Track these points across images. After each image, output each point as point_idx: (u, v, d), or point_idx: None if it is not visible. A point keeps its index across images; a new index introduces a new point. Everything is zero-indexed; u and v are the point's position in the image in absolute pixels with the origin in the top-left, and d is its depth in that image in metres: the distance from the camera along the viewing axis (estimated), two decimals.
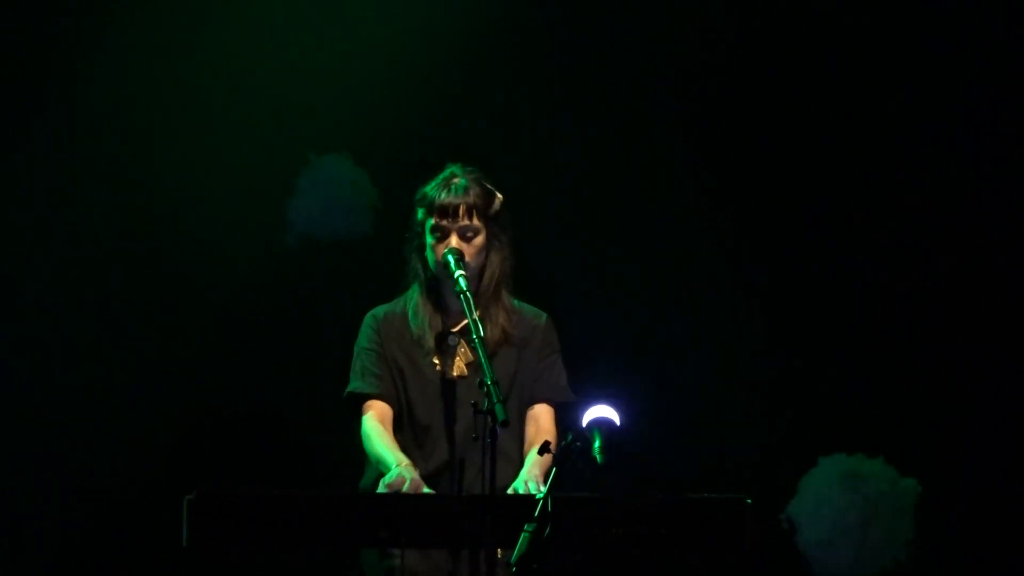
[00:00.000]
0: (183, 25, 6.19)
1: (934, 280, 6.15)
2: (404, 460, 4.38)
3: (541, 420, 4.55)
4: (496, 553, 3.95)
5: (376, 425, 4.50)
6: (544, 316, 4.67)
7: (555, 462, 3.98)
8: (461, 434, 4.47)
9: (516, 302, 4.65)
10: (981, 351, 6.12)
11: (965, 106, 6.11)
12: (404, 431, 4.55)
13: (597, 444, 3.93)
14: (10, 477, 6.06)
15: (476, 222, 4.52)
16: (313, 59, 6.22)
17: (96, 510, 6.08)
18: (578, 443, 3.91)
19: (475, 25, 6.23)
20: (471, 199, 4.51)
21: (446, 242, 4.49)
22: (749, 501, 3.92)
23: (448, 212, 4.50)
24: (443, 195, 4.51)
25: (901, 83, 6.17)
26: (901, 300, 6.17)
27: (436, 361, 4.55)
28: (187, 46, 6.19)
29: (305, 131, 6.17)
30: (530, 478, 4.32)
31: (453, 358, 4.56)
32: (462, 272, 4.40)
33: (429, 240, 4.53)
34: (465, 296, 4.33)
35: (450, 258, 4.44)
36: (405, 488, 4.24)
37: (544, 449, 4.06)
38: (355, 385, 4.58)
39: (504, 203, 4.59)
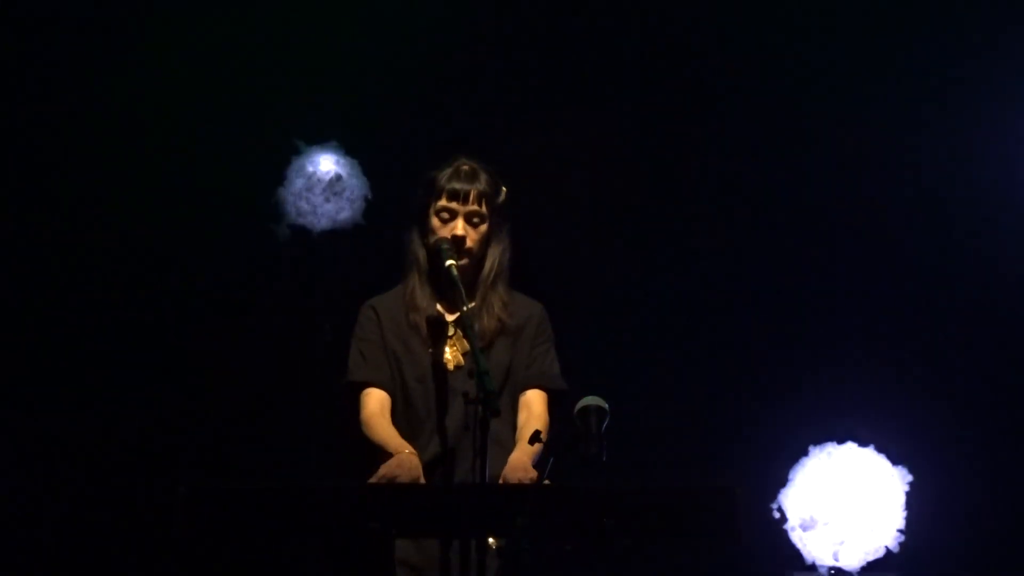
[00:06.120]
0: (173, 15, 6.17)
1: (927, 273, 6.17)
2: (406, 446, 4.38)
3: (533, 406, 4.56)
4: (487, 542, 3.96)
5: (376, 413, 4.50)
6: (539, 306, 4.68)
7: (548, 451, 3.99)
8: (455, 423, 4.48)
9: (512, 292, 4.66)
10: (970, 343, 6.14)
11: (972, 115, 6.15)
12: (399, 420, 4.55)
13: (588, 433, 3.94)
14: (2, 472, 6.06)
15: (484, 209, 4.54)
16: (303, 47, 6.21)
17: (89, 502, 6.08)
18: (571, 432, 3.92)
19: (467, 13, 6.22)
20: (482, 186, 4.53)
21: (451, 226, 4.50)
22: (741, 490, 3.93)
23: (459, 196, 4.51)
24: (454, 180, 4.52)
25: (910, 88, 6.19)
26: (896, 291, 6.19)
27: (432, 350, 4.55)
28: (177, 35, 6.17)
29: (295, 120, 6.15)
30: (517, 467, 4.31)
31: (449, 347, 4.56)
32: (452, 262, 4.40)
33: (433, 223, 4.53)
34: (457, 286, 4.33)
35: (443, 246, 4.44)
36: (400, 479, 4.25)
37: (535, 438, 4.07)
38: (353, 374, 4.58)
39: (507, 195, 4.61)
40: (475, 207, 4.53)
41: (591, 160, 6.28)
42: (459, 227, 4.49)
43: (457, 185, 4.52)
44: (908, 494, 5.43)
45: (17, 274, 6.12)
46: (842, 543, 5.41)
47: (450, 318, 4.57)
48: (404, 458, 4.32)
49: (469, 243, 4.51)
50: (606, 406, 4.01)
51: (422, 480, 4.31)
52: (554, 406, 4.58)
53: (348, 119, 6.14)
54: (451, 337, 4.56)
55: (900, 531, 5.42)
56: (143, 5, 6.17)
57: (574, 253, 6.22)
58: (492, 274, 4.59)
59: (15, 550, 6.01)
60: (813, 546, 5.44)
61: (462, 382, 4.43)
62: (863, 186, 6.21)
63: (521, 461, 4.33)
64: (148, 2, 6.18)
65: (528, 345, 4.61)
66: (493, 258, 4.59)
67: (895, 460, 5.49)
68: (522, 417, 4.55)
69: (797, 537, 5.47)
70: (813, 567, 5.48)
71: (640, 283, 6.23)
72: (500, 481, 4.28)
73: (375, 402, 4.53)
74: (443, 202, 4.52)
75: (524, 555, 3.75)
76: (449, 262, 4.40)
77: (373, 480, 4.25)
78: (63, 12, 6.14)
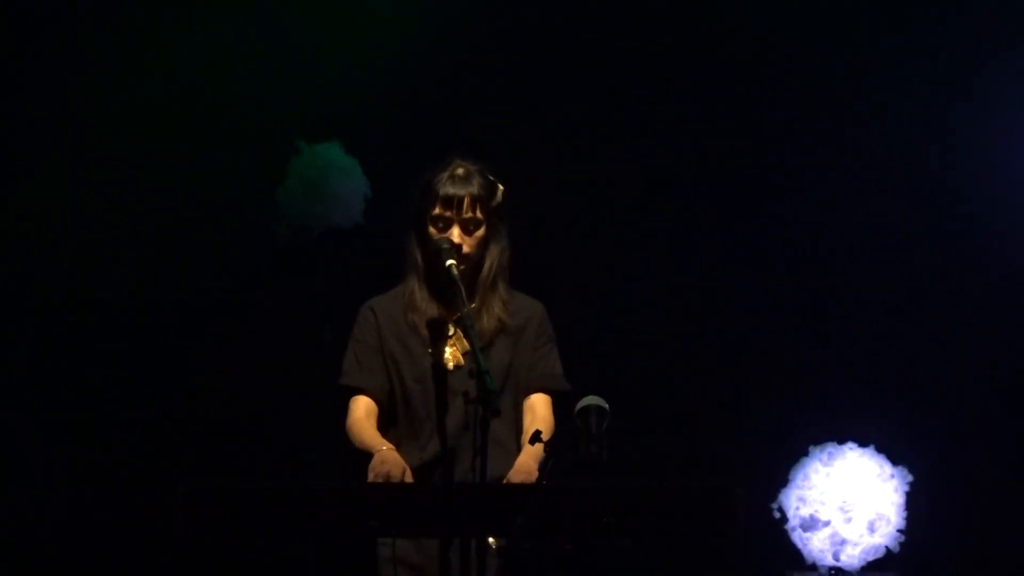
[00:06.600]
0: (173, 14, 6.17)
1: (928, 273, 6.17)
2: (384, 444, 4.40)
3: (538, 409, 4.55)
4: (488, 542, 3.96)
5: (359, 418, 4.52)
6: (539, 305, 4.67)
7: (547, 451, 3.99)
8: (455, 423, 4.47)
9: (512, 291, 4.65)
10: (971, 342, 6.13)
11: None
12: (399, 421, 4.56)
13: (588, 433, 3.94)
14: (2, 472, 6.06)
15: (479, 214, 4.51)
16: (303, 47, 6.21)
17: (89, 502, 6.08)
18: (571, 432, 3.93)
19: (467, 12, 6.22)
20: (476, 190, 4.50)
21: (447, 233, 4.48)
22: (741, 490, 3.93)
23: (452, 203, 4.49)
24: (448, 186, 4.50)
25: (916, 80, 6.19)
26: (897, 291, 6.18)
27: (431, 351, 4.55)
28: (177, 35, 6.17)
29: (295, 119, 6.15)
30: (520, 470, 4.32)
31: (449, 347, 4.56)
32: (453, 262, 4.39)
33: (430, 231, 4.52)
34: (457, 286, 4.33)
35: (442, 246, 4.44)
36: (393, 474, 4.25)
37: (535, 438, 4.07)
38: (345, 378, 4.59)
39: (505, 194, 4.59)
40: (470, 214, 4.51)
41: (592, 159, 6.28)
42: (455, 235, 4.48)
43: (451, 191, 4.49)
44: (908, 494, 5.44)
45: (17, 274, 6.12)
46: (842, 543, 5.41)
47: (450, 318, 4.57)
48: (385, 455, 4.34)
49: (466, 249, 4.50)
50: (606, 406, 4.00)
51: (408, 471, 4.32)
52: (557, 406, 4.57)
53: (348, 119, 6.13)
54: (451, 337, 4.56)
55: (900, 531, 5.42)
56: (144, 5, 6.17)
57: (574, 252, 6.22)
58: (491, 275, 4.58)
59: (15, 550, 6.00)
60: (813, 546, 5.44)
61: (462, 382, 4.43)
62: (863, 187, 6.21)
63: (526, 465, 4.33)
64: (149, 2, 6.18)
65: (530, 347, 4.60)
66: (492, 259, 4.57)
67: (895, 460, 5.49)
68: (527, 421, 4.54)
69: (797, 537, 5.47)
70: (813, 567, 5.48)
71: (640, 282, 6.23)
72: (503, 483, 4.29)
73: (361, 408, 4.54)
74: (438, 210, 4.50)
75: (524, 555, 3.75)
76: (449, 261, 4.39)
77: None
78: (64, 12, 6.13)
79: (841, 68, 6.21)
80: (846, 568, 5.41)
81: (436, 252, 4.46)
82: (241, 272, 6.20)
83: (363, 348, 4.59)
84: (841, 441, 5.54)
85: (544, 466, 4.00)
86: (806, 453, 5.54)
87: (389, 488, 4.15)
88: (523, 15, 6.25)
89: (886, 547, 5.43)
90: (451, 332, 4.55)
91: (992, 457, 6.07)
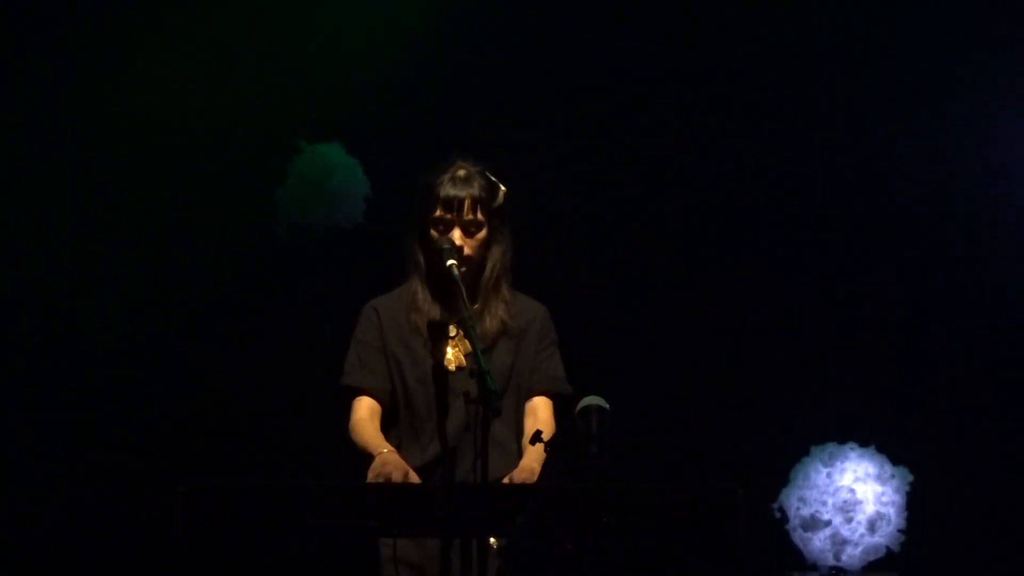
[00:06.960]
0: (173, 15, 6.17)
1: (928, 273, 6.17)
2: (386, 446, 4.39)
3: (540, 413, 4.54)
4: (488, 541, 3.96)
5: (362, 418, 4.50)
6: (542, 308, 4.66)
7: (547, 452, 3.99)
8: (456, 424, 4.47)
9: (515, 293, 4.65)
10: (972, 342, 6.14)
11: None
12: (401, 422, 4.55)
13: (588, 433, 3.94)
14: (2, 472, 6.06)
15: (480, 216, 4.50)
16: (305, 47, 6.21)
17: (90, 502, 6.08)
18: (570, 433, 3.92)
19: (466, 12, 6.22)
20: (476, 192, 4.48)
21: (449, 236, 4.47)
22: (741, 490, 3.93)
23: (453, 206, 4.47)
24: (449, 188, 4.48)
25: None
26: (896, 291, 6.19)
27: (434, 352, 4.54)
28: (178, 34, 6.18)
29: (297, 120, 6.15)
30: (523, 470, 4.32)
31: (451, 349, 4.55)
32: (454, 262, 4.39)
33: (431, 233, 4.51)
34: (458, 287, 4.32)
35: (444, 247, 4.43)
36: (394, 477, 4.25)
37: (536, 438, 4.06)
38: (347, 378, 4.58)
39: (506, 195, 4.58)
40: (471, 216, 4.50)
41: (592, 159, 6.28)
42: (456, 237, 4.47)
43: (452, 192, 4.48)
44: (908, 494, 5.44)
45: (17, 273, 6.12)
46: (843, 543, 5.41)
47: (452, 320, 4.56)
48: (386, 457, 4.33)
49: (467, 251, 4.49)
50: (607, 406, 4.00)
51: (411, 472, 4.32)
52: (559, 410, 4.56)
53: (348, 119, 6.13)
54: (453, 338, 4.55)
55: (901, 531, 5.43)
56: (143, 5, 6.17)
57: (575, 252, 6.22)
58: (493, 276, 4.56)
59: (15, 550, 6.00)
60: (813, 546, 5.44)
61: (463, 383, 4.42)
62: (863, 188, 6.22)
63: (528, 467, 4.33)
64: (148, 3, 6.18)
65: (532, 349, 4.59)
66: (494, 260, 4.56)
67: (896, 460, 5.49)
68: (528, 424, 4.53)
69: (797, 537, 5.47)
70: (813, 567, 5.48)
71: (641, 283, 6.23)
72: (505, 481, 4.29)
73: (364, 408, 4.53)
74: (439, 212, 4.48)
75: (524, 555, 3.75)
76: (450, 262, 4.39)
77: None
78: (63, 12, 6.13)
79: (841, 69, 6.22)
80: (847, 568, 5.42)
81: (437, 253, 4.45)
82: (241, 272, 6.20)
83: (365, 348, 4.58)
84: (841, 441, 5.54)
85: (545, 467, 4.00)
86: (806, 453, 5.54)
87: (390, 488, 4.15)
88: (523, 15, 6.26)
89: (887, 547, 5.43)
90: (453, 333, 4.54)
91: (992, 457, 6.07)
